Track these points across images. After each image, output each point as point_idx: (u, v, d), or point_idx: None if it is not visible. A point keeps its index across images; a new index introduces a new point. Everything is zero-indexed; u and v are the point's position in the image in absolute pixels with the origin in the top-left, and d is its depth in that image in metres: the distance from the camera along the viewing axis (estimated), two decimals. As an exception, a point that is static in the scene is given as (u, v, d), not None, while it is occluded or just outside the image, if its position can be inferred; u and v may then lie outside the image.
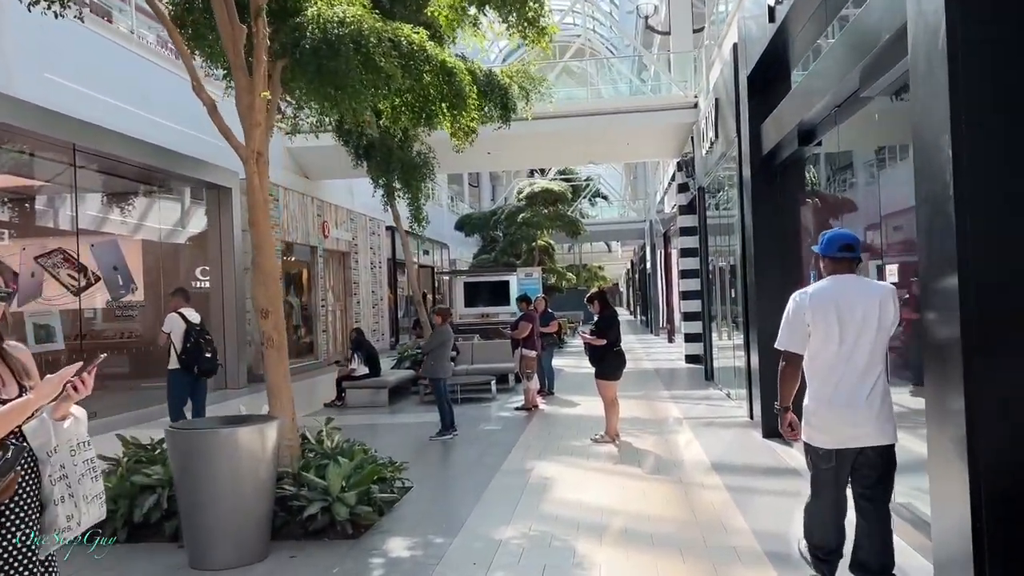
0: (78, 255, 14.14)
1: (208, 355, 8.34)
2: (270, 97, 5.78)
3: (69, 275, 15.26)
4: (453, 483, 6.49)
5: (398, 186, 14.63)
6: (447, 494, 6.09)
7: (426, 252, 30.77)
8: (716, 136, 10.70)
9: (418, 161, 14.38)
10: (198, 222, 15.44)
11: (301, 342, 19.29)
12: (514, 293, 19.51)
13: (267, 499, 4.82)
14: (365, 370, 11.64)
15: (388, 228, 25.14)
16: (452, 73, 8.17)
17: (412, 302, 15.82)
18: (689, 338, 16.69)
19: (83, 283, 15.33)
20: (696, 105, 15.86)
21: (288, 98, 8.19)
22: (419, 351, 13.76)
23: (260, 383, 15.61)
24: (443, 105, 8.47)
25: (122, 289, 15.44)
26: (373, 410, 11.10)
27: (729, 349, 11.19)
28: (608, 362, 8.07)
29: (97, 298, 14.40)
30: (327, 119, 8.13)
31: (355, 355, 11.84)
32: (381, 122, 9.16)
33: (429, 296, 30.31)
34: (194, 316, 8.48)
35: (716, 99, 10.67)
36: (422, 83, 8.28)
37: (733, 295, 10.56)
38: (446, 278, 28.08)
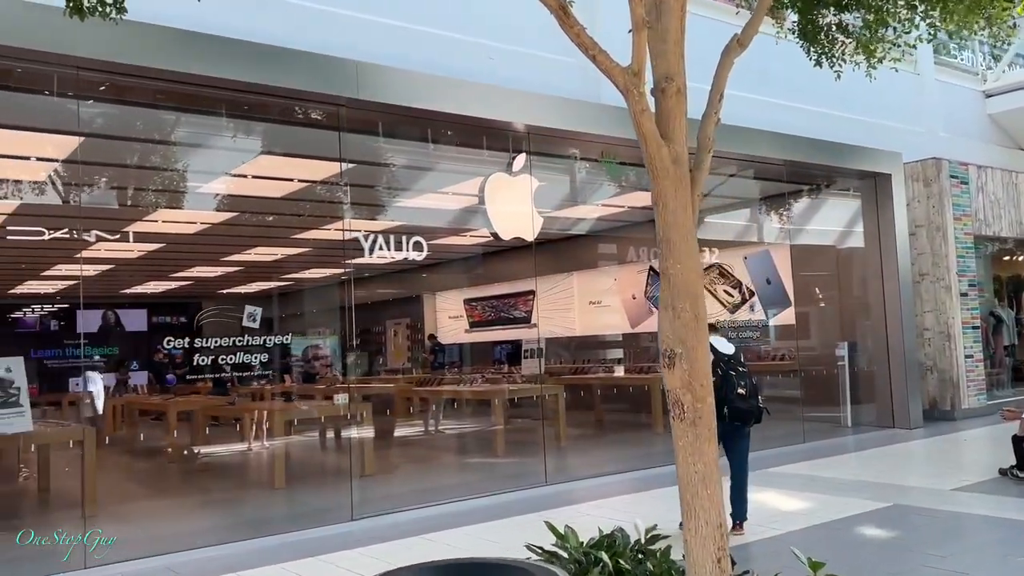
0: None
1: (741, 391, 5.91)
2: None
3: (726, 291, 14.38)
4: None
5: None
6: None
7: None
8: None
9: None
10: (850, 220, 12.74)
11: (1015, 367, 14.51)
12: None
13: None
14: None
15: None
16: None
17: None
18: None
19: (738, 299, 14.26)
20: None
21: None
22: None
23: (940, 422, 11.96)
24: None
25: (777, 305, 13.82)
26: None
27: None
28: None
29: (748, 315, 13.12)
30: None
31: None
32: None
33: None
34: (725, 347, 6.19)
35: None
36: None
37: None
38: None
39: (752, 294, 13.51)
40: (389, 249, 8.32)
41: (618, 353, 16.97)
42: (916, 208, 12.72)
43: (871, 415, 12.14)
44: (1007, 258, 14.53)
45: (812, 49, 5.74)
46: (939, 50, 14.88)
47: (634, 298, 15.11)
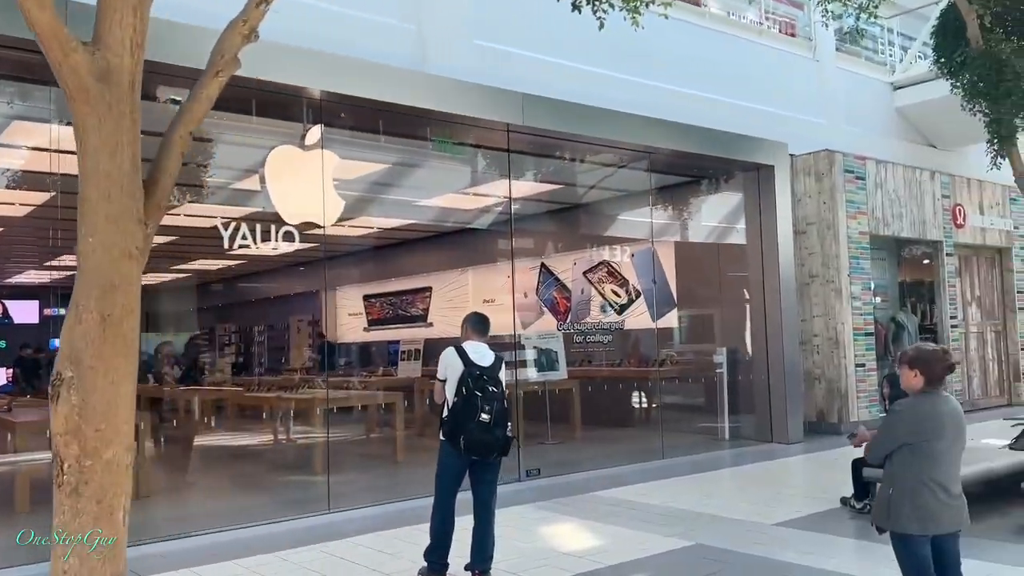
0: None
1: (485, 418, 4.75)
2: None
3: (613, 291, 13.42)
4: None
5: (1021, 122, 8.39)
6: None
7: None
8: None
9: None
10: (733, 216, 11.75)
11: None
12: None
13: None
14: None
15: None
16: None
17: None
18: None
19: (625, 299, 13.30)
20: None
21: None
22: None
23: (826, 436, 10.97)
24: None
25: (664, 306, 12.85)
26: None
27: None
28: None
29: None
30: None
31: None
32: None
33: None
34: (483, 356, 5.03)
35: None
36: None
37: None
38: None
39: (639, 294, 12.56)
40: (255, 239, 7.23)
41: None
42: (807, 204, 11.76)
43: (751, 428, 11.15)
44: (926, 262, 13.63)
45: (567, -11, 4.65)
46: (845, 39, 13.99)
47: (526, 296, 14.06)
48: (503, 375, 5.05)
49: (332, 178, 7.62)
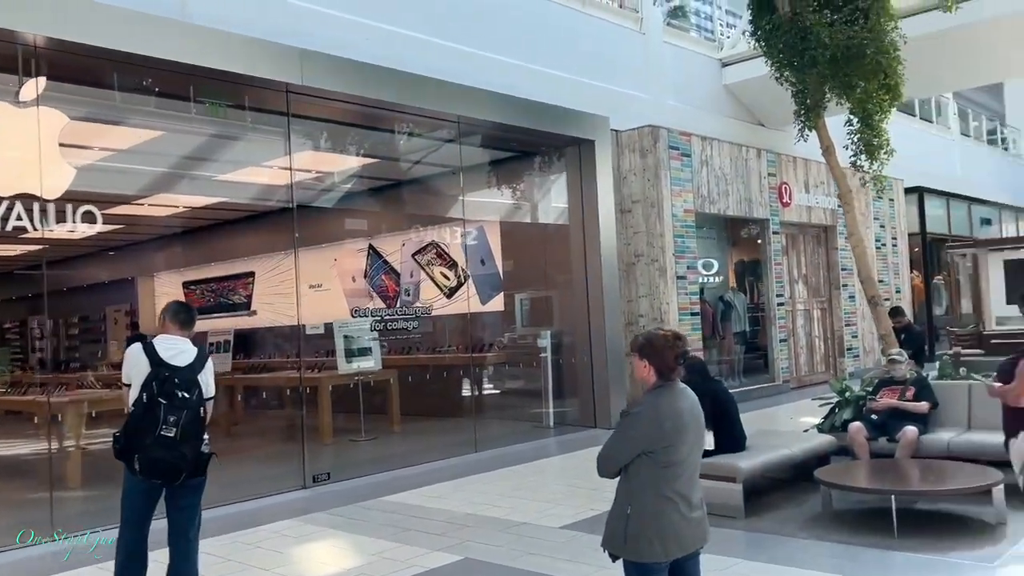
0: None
1: (166, 433, 3.80)
2: None
3: (443, 273, 12.62)
4: None
5: (828, 94, 8.16)
6: None
7: (987, 222, 21.54)
8: None
9: (864, 43, 7.70)
10: (558, 194, 11.18)
11: (747, 357, 13.56)
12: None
13: None
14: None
15: (911, 190, 17.56)
16: None
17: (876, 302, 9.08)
18: None
19: (455, 282, 12.53)
20: None
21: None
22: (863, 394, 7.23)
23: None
24: None
25: (491, 289, 12.20)
26: (717, 522, 5.29)
27: None
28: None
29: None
30: None
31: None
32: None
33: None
34: (179, 353, 4.06)
35: None
36: None
37: None
38: (963, 255, 18.51)
39: (468, 276, 11.83)
40: (31, 220, 5.97)
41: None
42: (632, 181, 11.34)
43: (576, 414, 10.66)
44: (759, 241, 13.53)
45: None
46: (675, 14, 13.72)
47: (354, 280, 13.07)
48: (206, 377, 4.10)
49: (59, 142, 6.41)
